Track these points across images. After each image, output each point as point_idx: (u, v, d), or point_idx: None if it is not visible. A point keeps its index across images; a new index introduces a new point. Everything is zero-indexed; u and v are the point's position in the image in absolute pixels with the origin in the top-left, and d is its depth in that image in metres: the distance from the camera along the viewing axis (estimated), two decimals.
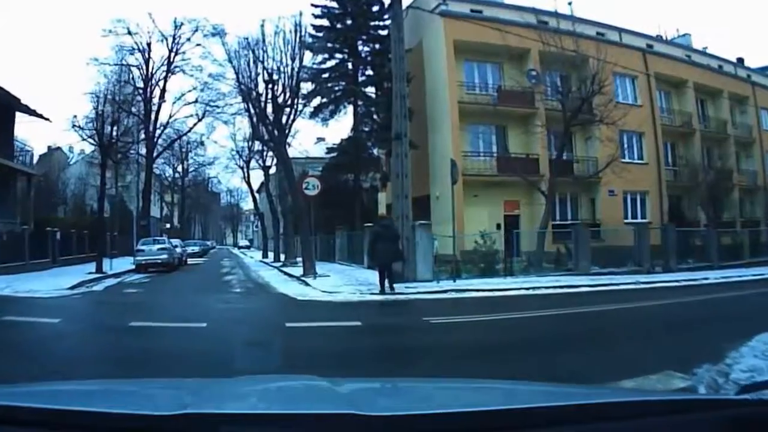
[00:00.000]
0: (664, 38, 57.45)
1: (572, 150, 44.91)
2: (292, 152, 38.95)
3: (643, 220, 44.62)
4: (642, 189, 46.81)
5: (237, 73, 35.05)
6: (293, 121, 34.97)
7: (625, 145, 45.51)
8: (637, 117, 42.18)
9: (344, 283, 27.47)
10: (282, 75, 33.41)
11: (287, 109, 33.89)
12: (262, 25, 33.97)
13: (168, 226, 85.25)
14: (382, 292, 23.20)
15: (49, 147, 77.34)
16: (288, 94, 33.62)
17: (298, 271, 33.47)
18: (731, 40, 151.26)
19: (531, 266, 31.49)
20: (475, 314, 17.80)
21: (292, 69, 33.52)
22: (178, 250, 47.44)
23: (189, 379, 4.72)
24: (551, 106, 41.29)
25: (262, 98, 34.21)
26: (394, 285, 23.73)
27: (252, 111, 36.28)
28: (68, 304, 22.01)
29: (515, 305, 19.62)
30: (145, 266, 39.48)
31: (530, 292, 24.04)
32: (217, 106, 57.51)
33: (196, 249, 74.00)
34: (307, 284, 27.82)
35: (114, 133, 38.19)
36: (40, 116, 41.16)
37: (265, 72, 33.67)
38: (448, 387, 3.96)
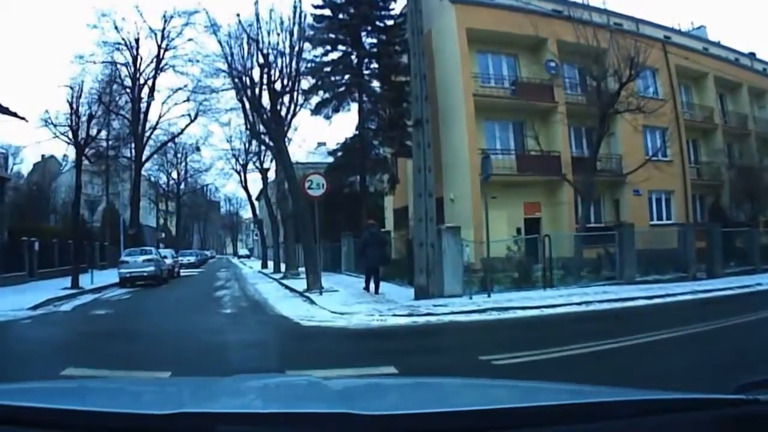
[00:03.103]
0: (679, 30, 52.43)
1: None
2: (291, 156, 33.53)
3: (669, 221, 41.19)
4: (667, 188, 42.50)
5: (227, 57, 29.46)
6: (293, 114, 29.99)
7: (648, 142, 41.77)
8: (659, 111, 36.68)
9: (357, 300, 22.20)
10: (279, 57, 28.13)
11: (286, 98, 28.61)
12: (256, 3, 27.96)
13: (163, 235, 79.82)
14: (367, 289, 24.01)
15: (42, 155, 72.54)
16: (286, 81, 28.43)
17: (300, 284, 28.32)
18: (739, 34, 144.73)
19: (569, 275, 26.51)
20: (545, 346, 12.34)
21: (291, 51, 28.20)
22: (168, 261, 41.84)
23: (185, 378, 5.44)
24: (572, 99, 38.63)
25: (257, 85, 28.92)
26: (420, 301, 20.27)
27: (245, 100, 30.86)
28: (9, 332, 17.25)
29: (586, 329, 15.38)
30: (130, 280, 34.34)
31: (584, 308, 19.45)
32: (207, 100, 51.40)
33: (192, 259, 67.94)
34: (312, 302, 22.43)
35: (91, 131, 32.76)
36: (15, 115, 35.05)
37: (259, 54, 28.31)
38: (443, 386, 3.92)
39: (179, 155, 74.74)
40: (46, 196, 63.08)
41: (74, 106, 30.68)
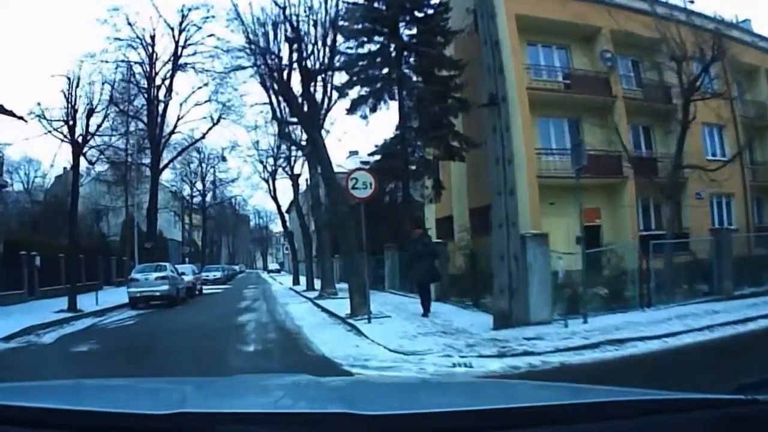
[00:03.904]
0: (722, 20, 47.44)
1: (651, 146, 36.10)
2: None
3: (730, 227, 35.30)
4: (727, 191, 36.29)
5: (249, 36, 23.85)
6: (329, 103, 24.88)
7: (707, 140, 37.21)
8: (715, 107, 32.06)
9: (418, 329, 16.36)
10: (311, 28, 22.53)
11: (320, 86, 23.11)
12: None
13: (189, 249, 74.30)
14: (426, 315, 19.02)
15: (64, 168, 67.11)
16: (319, 63, 22.69)
17: (339, 306, 22.55)
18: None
19: (659, 290, 21.00)
20: None
21: (325, 20, 22.55)
22: (188, 277, 35.90)
23: (184, 378, 5.01)
24: (629, 94, 34.53)
25: (285, 66, 23.03)
26: (502, 332, 14.62)
27: (272, 93, 25.84)
28: None
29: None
30: (141, 300, 28.89)
31: (708, 335, 14.32)
32: (230, 100, 46.22)
33: (218, 275, 61.74)
34: (359, 333, 16.48)
35: (91, 127, 26.78)
36: (13, 114, 29.01)
37: (288, 25, 22.43)
38: (443, 386, 4.04)
39: (204, 165, 69.61)
40: (64, 210, 57.38)
41: (71, 98, 24.89)
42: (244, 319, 22.92)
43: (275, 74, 23.56)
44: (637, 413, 2.34)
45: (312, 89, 22.38)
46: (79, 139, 25.44)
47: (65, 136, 25.14)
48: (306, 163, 38.00)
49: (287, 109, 26.83)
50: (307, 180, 46.46)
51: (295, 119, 26.18)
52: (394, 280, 32.21)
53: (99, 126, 27.26)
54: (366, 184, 18.52)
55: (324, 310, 24.54)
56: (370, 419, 2.11)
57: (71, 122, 24.79)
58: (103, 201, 52.93)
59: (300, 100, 23.02)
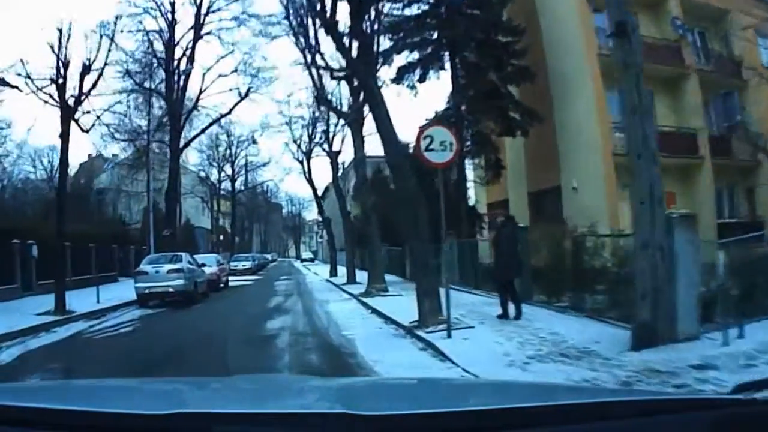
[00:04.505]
0: None
1: None
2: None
3: None
4: None
5: None
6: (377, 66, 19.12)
7: None
8: None
9: (523, 349, 11.01)
10: None
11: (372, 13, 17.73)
12: None
13: (221, 237, 70.00)
14: (506, 316, 14.64)
15: (89, 155, 62.69)
16: None
17: (396, 307, 17.43)
18: None
19: None
20: None
21: None
22: (211, 269, 30.52)
23: (183, 379, 4.85)
24: (700, 66, 30.70)
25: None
26: (649, 354, 9.89)
27: (307, 53, 21.28)
28: None
29: None
30: (150, 296, 23.96)
31: None
32: (260, 71, 40.97)
33: (248, 264, 55.96)
34: (440, 354, 11.07)
35: (84, 86, 20.78)
36: (5, 83, 23.44)
37: None
38: (443, 386, 3.93)
39: (233, 148, 64.87)
40: (86, 198, 52.28)
41: (62, 54, 19.55)
42: (273, 327, 16.81)
43: (317, 10, 18.01)
44: (637, 413, 2.29)
45: (364, 24, 16.88)
46: (71, 101, 20.08)
47: (56, 100, 19.75)
48: (351, 132, 32.08)
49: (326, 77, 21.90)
50: (343, 163, 41.84)
51: (343, 69, 20.85)
52: (453, 273, 26.45)
53: (94, 85, 21.43)
54: (445, 144, 12.87)
55: (376, 312, 19.05)
56: (370, 419, 2.05)
57: (61, 81, 19.53)
58: (124, 186, 48.27)
59: (347, 41, 17.59)
